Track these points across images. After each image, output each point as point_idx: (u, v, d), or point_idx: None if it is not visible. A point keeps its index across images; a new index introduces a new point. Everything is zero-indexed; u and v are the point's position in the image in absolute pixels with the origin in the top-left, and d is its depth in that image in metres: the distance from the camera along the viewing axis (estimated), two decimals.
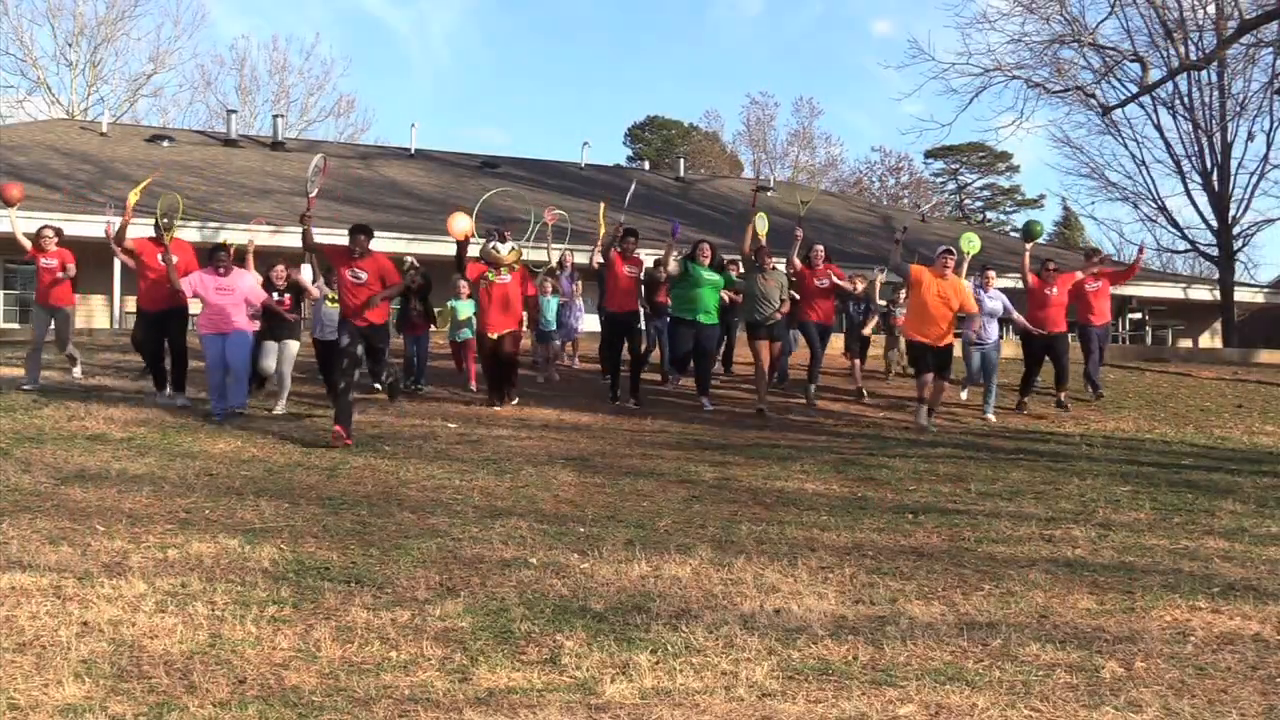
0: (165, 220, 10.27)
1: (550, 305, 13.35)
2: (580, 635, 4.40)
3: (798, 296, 12.17)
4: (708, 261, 11.55)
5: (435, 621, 4.58)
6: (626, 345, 11.67)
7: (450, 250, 11.14)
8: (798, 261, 12.05)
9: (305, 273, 11.11)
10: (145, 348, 10.57)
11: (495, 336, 10.90)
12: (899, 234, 11.05)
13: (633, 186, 13.51)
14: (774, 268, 11.70)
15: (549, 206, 13.93)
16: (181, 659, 4.07)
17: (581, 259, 15.03)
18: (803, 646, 4.32)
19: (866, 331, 13.34)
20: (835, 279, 12.27)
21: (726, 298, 11.93)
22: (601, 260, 12.07)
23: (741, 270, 12.97)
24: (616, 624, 4.58)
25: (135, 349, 10.96)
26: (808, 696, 3.80)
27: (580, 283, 14.21)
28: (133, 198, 10.52)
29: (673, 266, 11.44)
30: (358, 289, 9.28)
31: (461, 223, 10.61)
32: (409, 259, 12.55)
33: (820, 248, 12.29)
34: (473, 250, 11.08)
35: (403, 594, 4.99)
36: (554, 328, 13.46)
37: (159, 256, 10.24)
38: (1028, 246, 12.42)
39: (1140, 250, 14.80)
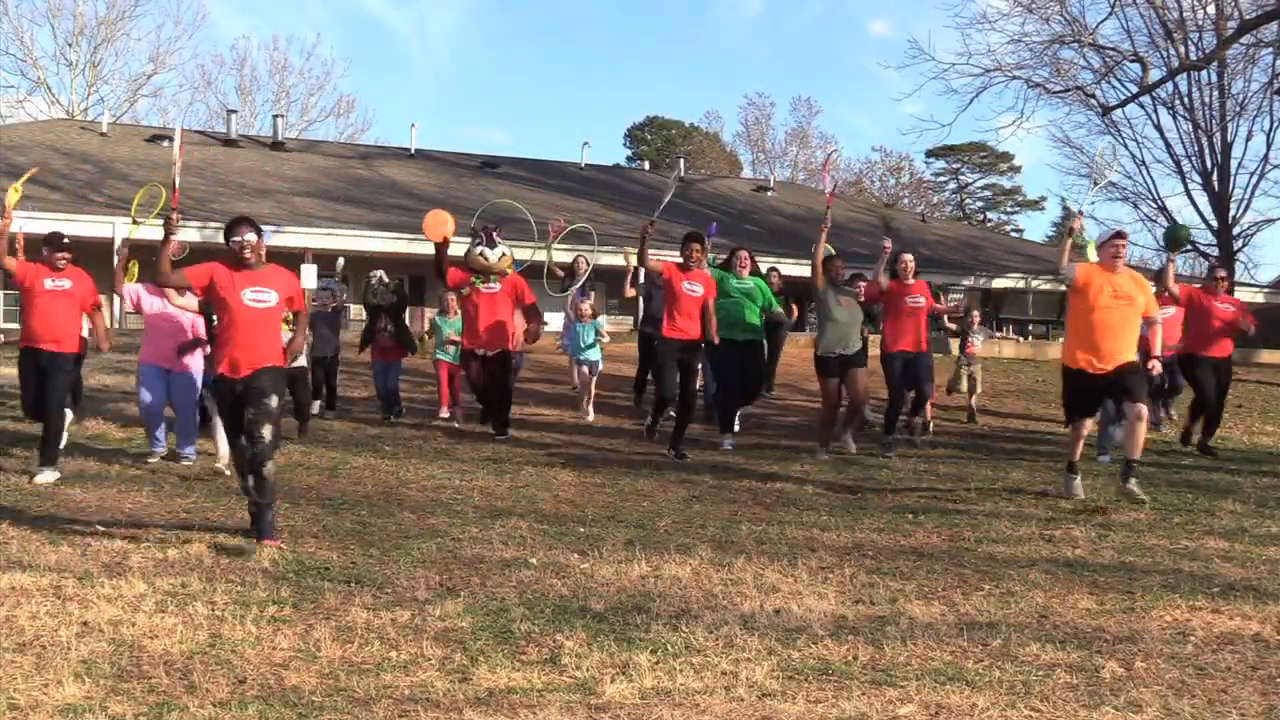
0: (139, 217, 8.64)
1: (587, 331, 11.36)
2: (580, 635, 4.40)
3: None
4: (746, 272, 9.86)
5: (435, 621, 4.57)
6: (680, 384, 9.21)
7: (450, 252, 9.64)
8: (883, 279, 9.66)
9: (306, 275, 10.69)
10: (25, 397, 7.97)
11: (483, 354, 9.39)
12: (1070, 222, 8.19)
13: (672, 183, 10.56)
14: (851, 284, 9.73)
15: (553, 219, 12.47)
16: (181, 659, 4.07)
17: (605, 261, 13.70)
18: (803, 646, 4.32)
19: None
20: (931, 301, 9.98)
21: (776, 310, 10.30)
22: (635, 285, 10.65)
23: (776, 279, 11.49)
24: (616, 624, 4.58)
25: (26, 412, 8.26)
26: (808, 696, 3.79)
27: (593, 294, 12.30)
28: (13, 196, 7.81)
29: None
30: (259, 319, 5.95)
31: (438, 225, 9.23)
32: (377, 273, 11.34)
33: (909, 257, 9.90)
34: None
35: (403, 594, 4.99)
36: (593, 355, 11.42)
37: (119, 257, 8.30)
38: (1173, 258, 10.26)
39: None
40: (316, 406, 10.40)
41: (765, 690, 3.84)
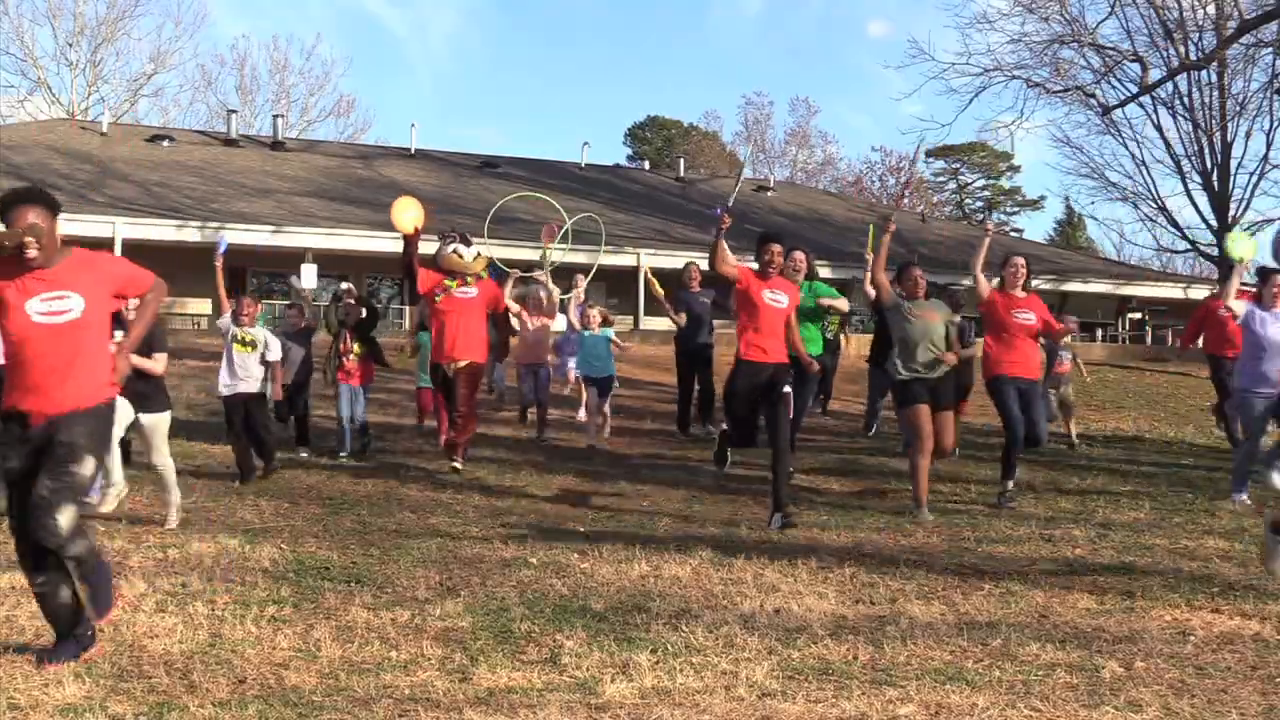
0: None
1: (599, 342, 10.01)
2: (580, 635, 4.40)
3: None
4: (801, 276, 8.51)
5: (435, 621, 4.58)
6: (766, 412, 7.13)
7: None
8: (985, 283, 7.91)
9: (306, 276, 10.16)
10: None
11: (451, 369, 8.07)
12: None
13: (739, 178, 9.12)
14: (929, 295, 7.81)
15: (549, 221, 11.58)
16: (181, 659, 4.07)
17: (606, 260, 13.29)
18: (803, 646, 4.32)
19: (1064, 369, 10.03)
20: (1045, 317, 7.97)
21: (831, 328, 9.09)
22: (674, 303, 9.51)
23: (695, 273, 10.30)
24: (616, 624, 4.58)
25: None
26: (808, 696, 3.79)
27: (597, 310, 10.42)
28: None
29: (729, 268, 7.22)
30: (54, 338, 3.98)
31: (409, 212, 8.01)
32: (345, 285, 10.34)
33: (1020, 260, 7.86)
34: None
35: (403, 594, 4.99)
36: (608, 373, 10.02)
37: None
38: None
39: None
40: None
41: (765, 690, 3.84)
